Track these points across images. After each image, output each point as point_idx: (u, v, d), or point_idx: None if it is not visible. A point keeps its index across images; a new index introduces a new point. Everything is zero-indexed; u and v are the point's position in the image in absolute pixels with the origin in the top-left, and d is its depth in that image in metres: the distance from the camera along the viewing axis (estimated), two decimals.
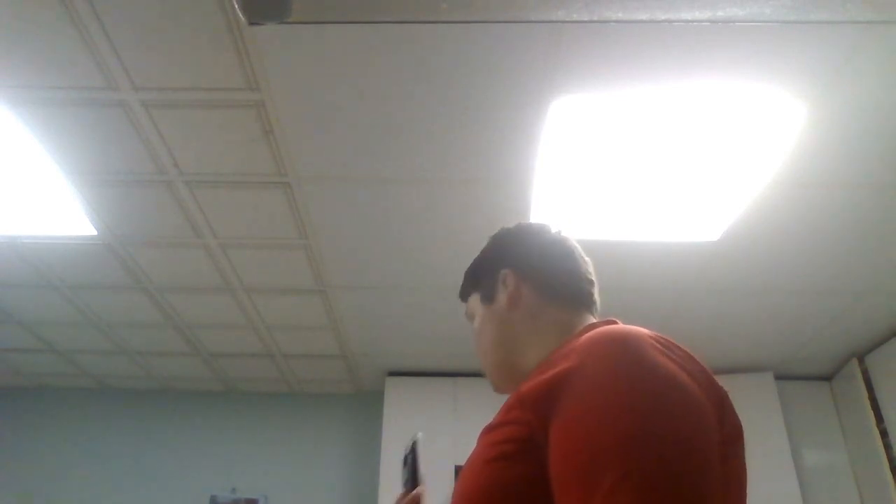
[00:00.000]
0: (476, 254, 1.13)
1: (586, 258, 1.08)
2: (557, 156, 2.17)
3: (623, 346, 0.74)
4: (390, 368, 3.93)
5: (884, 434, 3.29)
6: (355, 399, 4.36)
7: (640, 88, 1.90)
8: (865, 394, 3.42)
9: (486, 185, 2.32)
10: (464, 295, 1.14)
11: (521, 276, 1.03)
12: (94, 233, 2.64)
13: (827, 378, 3.84)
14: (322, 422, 4.29)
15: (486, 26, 1.73)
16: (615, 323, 0.92)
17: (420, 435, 1.14)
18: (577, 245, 1.09)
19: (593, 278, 1.06)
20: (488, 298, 1.06)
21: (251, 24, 0.99)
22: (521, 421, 0.76)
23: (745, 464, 0.79)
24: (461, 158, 2.20)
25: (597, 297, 1.06)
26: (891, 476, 3.21)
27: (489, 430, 0.82)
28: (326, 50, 1.81)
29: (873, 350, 3.43)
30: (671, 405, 0.69)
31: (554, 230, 1.09)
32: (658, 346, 0.75)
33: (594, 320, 1.00)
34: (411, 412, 3.78)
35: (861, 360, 3.51)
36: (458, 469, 3.49)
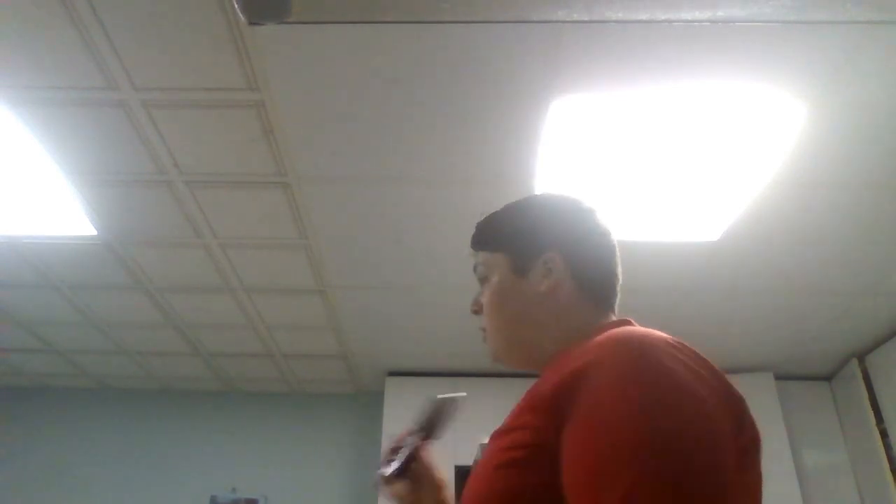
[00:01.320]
0: None
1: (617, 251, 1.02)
2: (557, 156, 2.17)
3: (636, 351, 0.72)
4: (390, 368, 3.93)
5: (884, 434, 3.29)
6: (355, 399, 4.36)
7: (641, 88, 1.90)
8: (865, 394, 3.42)
9: (486, 185, 2.32)
10: (482, 245, 1.03)
11: (569, 267, 0.95)
12: (94, 233, 2.64)
13: (827, 378, 3.84)
14: (322, 422, 4.29)
15: (486, 26, 1.73)
16: (629, 323, 0.89)
17: (461, 396, 1.12)
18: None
19: (620, 274, 1.01)
20: (521, 270, 0.97)
21: (251, 24, 0.99)
22: (532, 426, 0.74)
23: (760, 474, 0.76)
24: (461, 158, 2.20)
25: (618, 293, 1.01)
26: (891, 476, 3.21)
27: (499, 434, 0.79)
28: (326, 50, 1.81)
29: (873, 350, 3.43)
30: (685, 414, 0.66)
31: (601, 216, 1.01)
32: (674, 350, 0.72)
33: (612, 319, 0.96)
34: (411, 412, 3.77)
35: (861, 360, 3.51)
36: (458, 469, 3.49)
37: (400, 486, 1.11)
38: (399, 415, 3.79)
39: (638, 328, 0.80)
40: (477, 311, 1.03)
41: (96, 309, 3.29)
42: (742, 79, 1.86)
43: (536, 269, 0.96)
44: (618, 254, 1.01)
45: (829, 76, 1.85)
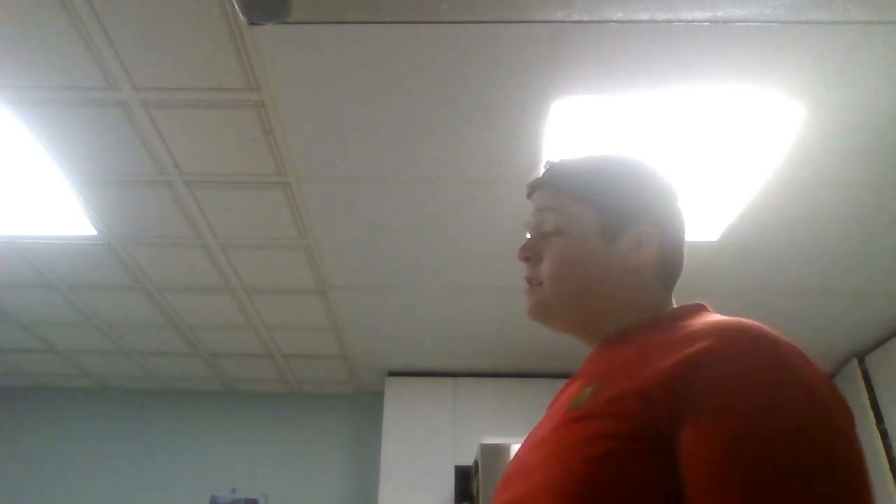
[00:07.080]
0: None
1: None
2: (558, 156, 2.17)
3: (768, 346, 0.67)
4: (390, 368, 3.93)
5: (884, 434, 3.29)
6: (355, 399, 4.36)
7: (641, 89, 1.90)
8: (865, 394, 3.42)
9: (486, 185, 2.32)
10: (563, 187, 0.94)
11: (660, 246, 0.88)
12: (94, 233, 2.64)
13: None
14: (322, 422, 4.30)
15: (486, 26, 1.73)
16: (707, 308, 0.84)
17: None
18: None
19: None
20: (611, 235, 0.88)
21: (251, 24, 0.99)
22: (635, 415, 0.65)
23: None
24: (461, 158, 2.20)
25: None
26: (891, 476, 3.21)
27: (580, 419, 0.70)
28: (326, 50, 1.81)
29: (873, 350, 3.43)
30: (834, 415, 0.64)
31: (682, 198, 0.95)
32: (791, 347, 0.68)
33: (680, 303, 0.88)
34: (411, 412, 3.78)
35: (861, 361, 3.51)
36: (458, 469, 3.50)
37: None
38: (399, 415, 3.79)
39: (753, 322, 0.73)
40: (529, 258, 0.91)
41: (96, 309, 3.29)
42: (741, 79, 1.86)
43: (627, 238, 0.87)
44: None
45: (828, 76, 1.85)
